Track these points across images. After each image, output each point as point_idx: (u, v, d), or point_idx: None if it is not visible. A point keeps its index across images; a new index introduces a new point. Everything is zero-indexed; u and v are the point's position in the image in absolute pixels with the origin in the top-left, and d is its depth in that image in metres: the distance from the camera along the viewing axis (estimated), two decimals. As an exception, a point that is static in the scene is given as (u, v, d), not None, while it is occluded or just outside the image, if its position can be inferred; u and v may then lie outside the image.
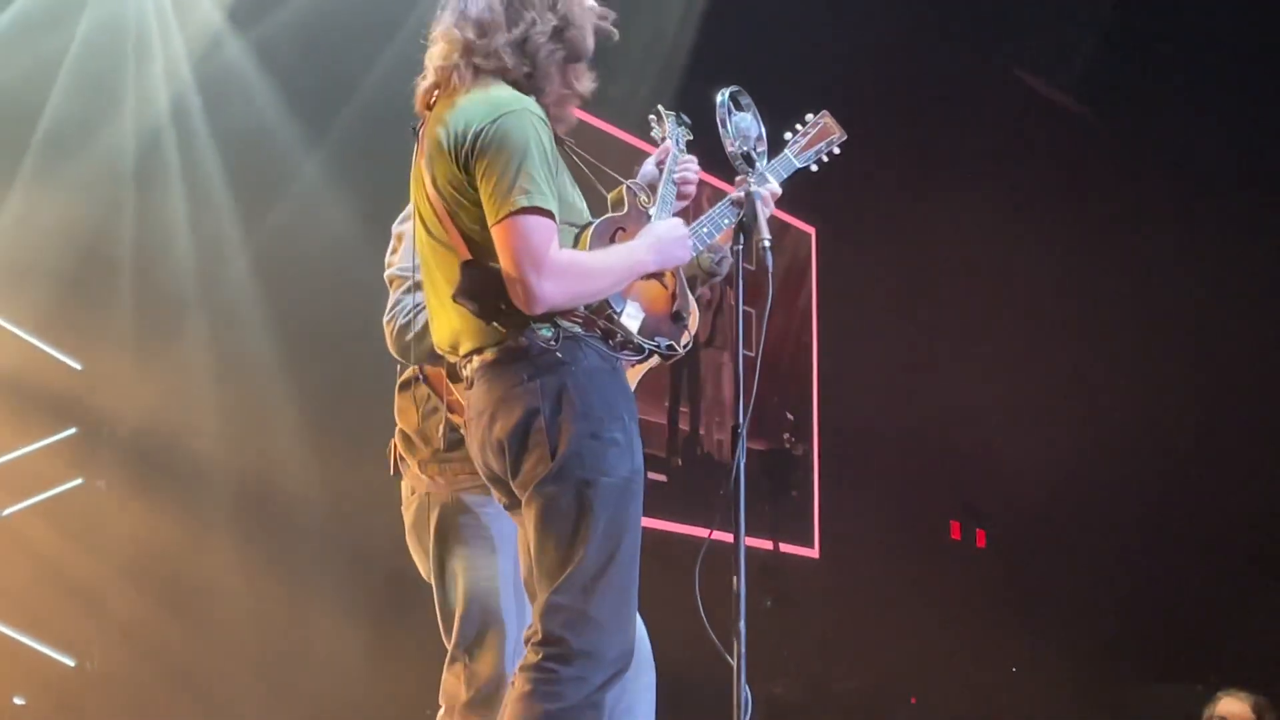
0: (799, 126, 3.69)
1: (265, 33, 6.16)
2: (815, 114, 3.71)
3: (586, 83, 3.11)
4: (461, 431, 3.34)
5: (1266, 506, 8.63)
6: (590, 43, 3.09)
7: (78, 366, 5.92)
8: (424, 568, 3.60)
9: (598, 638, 2.89)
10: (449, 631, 3.52)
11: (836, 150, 3.72)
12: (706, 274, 3.52)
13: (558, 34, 3.04)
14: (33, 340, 5.82)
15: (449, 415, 3.40)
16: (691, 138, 3.45)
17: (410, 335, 3.36)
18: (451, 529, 3.50)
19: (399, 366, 3.60)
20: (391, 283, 3.55)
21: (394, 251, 3.59)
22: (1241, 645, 8.36)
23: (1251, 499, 8.65)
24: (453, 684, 3.51)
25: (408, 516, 3.63)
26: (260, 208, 6.23)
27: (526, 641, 2.96)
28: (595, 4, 3.12)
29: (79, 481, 5.86)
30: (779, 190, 3.48)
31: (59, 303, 5.84)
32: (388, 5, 5.89)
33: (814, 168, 3.69)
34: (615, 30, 3.15)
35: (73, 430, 5.88)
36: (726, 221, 3.37)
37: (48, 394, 5.86)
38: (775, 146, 3.61)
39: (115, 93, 6.02)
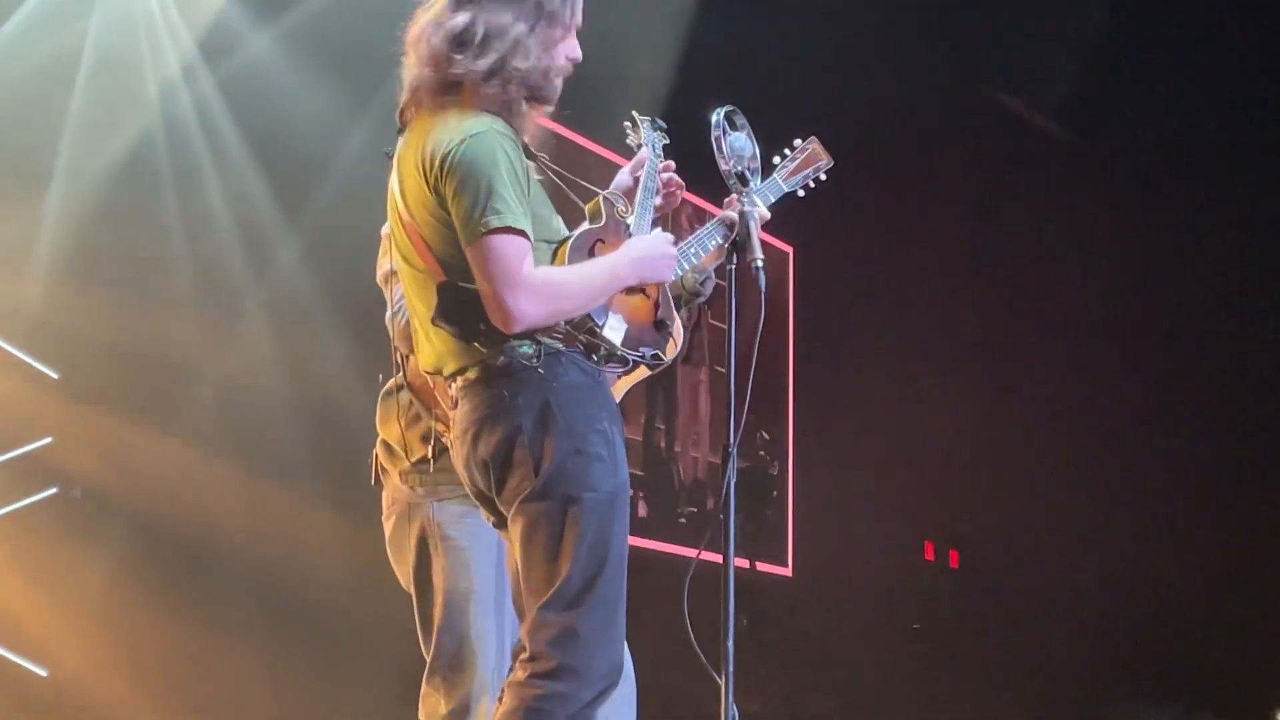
0: (787, 151, 3.70)
1: (282, 20, 6.16)
2: (804, 139, 3.73)
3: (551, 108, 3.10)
4: (445, 442, 3.34)
5: (1240, 529, 8.68)
6: (555, 87, 3.06)
7: (54, 375, 5.88)
8: (404, 579, 3.59)
9: (585, 653, 2.88)
10: (428, 644, 3.51)
11: (823, 177, 3.74)
12: (690, 294, 3.53)
13: (523, 76, 3.00)
14: (9, 347, 5.78)
15: (435, 424, 3.39)
16: (668, 141, 3.43)
17: None
18: (431, 541, 3.49)
19: (380, 377, 3.60)
20: (387, 281, 3.54)
21: (385, 254, 3.59)
22: (1215, 665, 8.42)
23: (1226, 520, 8.70)
24: (432, 697, 3.49)
25: (387, 528, 3.62)
26: (279, 207, 6.23)
27: (514, 657, 2.95)
28: (567, 48, 3.08)
29: (53, 490, 5.82)
30: (767, 214, 3.48)
31: (36, 309, 5.80)
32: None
33: (801, 193, 3.71)
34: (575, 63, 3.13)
35: (48, 439, 5.84)
36: (714, 242, 3.37)
37: (23, 402, 5.83)
38: (765, 169, 3.60)
39: (133, 93, 6.00)
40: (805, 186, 3.72)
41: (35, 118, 5.84)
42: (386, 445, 3.58)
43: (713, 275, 3.51)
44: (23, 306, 5.80)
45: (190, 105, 6.15)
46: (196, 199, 6.16)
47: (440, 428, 3.35)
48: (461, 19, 2.98)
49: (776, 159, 3.69)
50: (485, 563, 3.45)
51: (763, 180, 3.56)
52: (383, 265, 3.57)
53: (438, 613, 3.47)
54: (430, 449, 3.45)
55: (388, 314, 3.52)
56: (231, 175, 6.20)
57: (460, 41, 2.98)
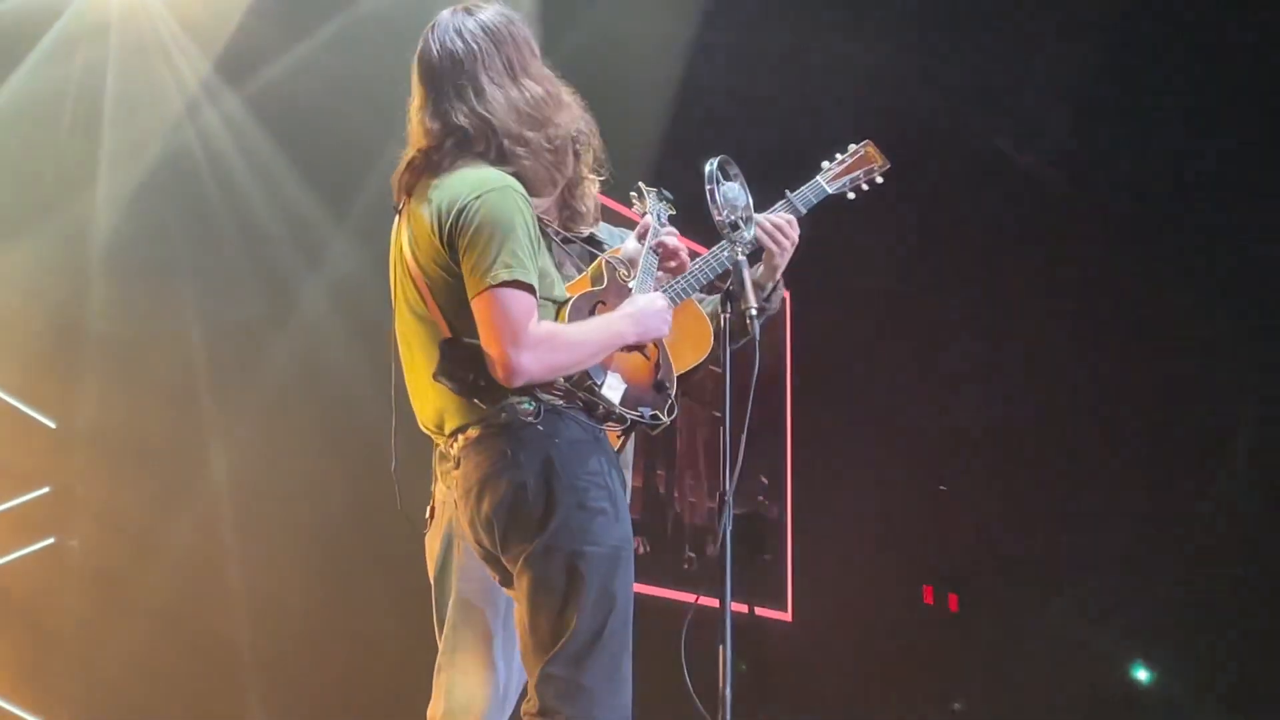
0: (838, 155, 3.68)
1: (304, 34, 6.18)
2: (858, 142, 3.70)
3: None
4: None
5: (1239, 568, 8.67)
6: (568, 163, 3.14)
7: (51, 425, 5.87)
8: (431, 569, 3.61)
9: (592, 707, 2.90)
10: (440, 638, 3.52)
11: (879, 180, 3.71)
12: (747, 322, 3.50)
13: (547, 147, 3.08)
14: (6, 397, 5.78)
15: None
16: (674, 212, 3.48)
17: None
18: (455, 540, 3.50)
19: None
20: None
21: None
22: (1220, 709, 8.42)
23: (1225, 557, 8.70)
24: (438, 692, 3.49)
25: (429, 519, 3.65)
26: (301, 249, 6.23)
27: (524, 714, 2.97)
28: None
29: (51, 541, 5.80)
30: (795, 226, 3.52)
31: (33, 358, 5.80)
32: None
33: (851, 195, 3.68)
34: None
35: (46, 489, 5.83)
36: (718, 263, 3.40)
37: (20, 452, 5.81)
38: (809, 174, 3.61)
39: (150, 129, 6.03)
40: (856, 189, 3.68)
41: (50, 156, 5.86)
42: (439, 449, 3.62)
43: (780, 286, 3.46)
44: (20, 354, 5.79)
45: (218, 127, 6.15)
46: (208, 244, 6.15)
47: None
48: (456, 104, 3.04)
49: (825, 162, 3.67)
50: None
51: (806, 183, 3.58)
52: None
53: (450, 611, 3.47)
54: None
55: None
56: (248, 220, 6.20)
57: (465, 125, 3.03)
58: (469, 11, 3.13)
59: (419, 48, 3.12)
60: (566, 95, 3.14)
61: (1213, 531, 8.71)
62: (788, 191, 3.63)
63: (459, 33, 3.08)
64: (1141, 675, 9.11)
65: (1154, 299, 8.67)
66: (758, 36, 7.26)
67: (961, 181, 8.49)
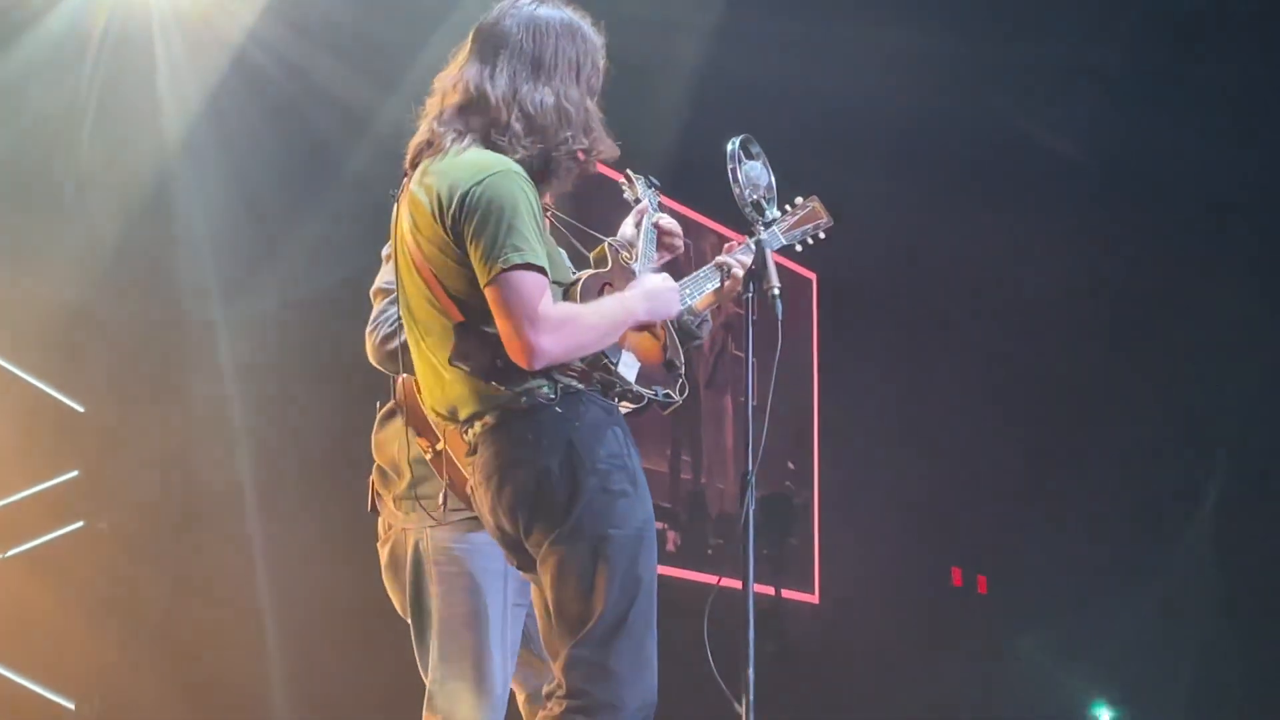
0: (788, 207, 3.70)
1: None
2: (804, 197, 3.74)
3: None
4: (427, 456, 3.36)
5: (1250, 560, 8.65)
6: (577, 150, 3.09)
7: (80, 409, 5.91)
8: (400, 605, 3.59)
9: (619, 689, 2.90)
10: (426, 671, 3.51)
11: (823, 235, 3.76)
12: (688, 336, 3.55)
13: (582, 156, 3.07)
14: (35, 382, 5.82)
15: (415, 439, 3.39)
16: (659, 199, 3.49)
17: (395, 344, 3.36)
18: (426, 567, 3.49)
19: (378, 403, 3.61)
20: (375, 296, 3.57)
21: (381, 274, 3.61)
22: (1238, 693, 8.40)
23: (1238, 551, 8.68)
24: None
25: (383, 554, 3.63)
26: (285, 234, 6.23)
27: (548, 696, 2.98)
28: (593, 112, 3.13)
29: (81, 524, 5.84)
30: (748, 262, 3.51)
31: (62, 342, 5.83)
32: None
33: (799, 248, 3.73)
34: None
35: (75, 473, 5.86)
36: (710, 285, 3.42)
37: (50, 436, 5.85)
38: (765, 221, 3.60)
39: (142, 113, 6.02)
40: (803, 243, 3.74)
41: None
42: (381, 470, 3.60)
43: (709, 319, 3.56)
44: (48, 339, 5.82)
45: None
46: (221, 225, 6.16)
47: (421, 443, 3.36)
48: (501, 77, 3.03)
49: (775, 212, 3.69)
50: (482, 588, 3.44)
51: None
52: (376, 282, 3.60)
53: (434, 640, 3.46)
54: (408, 465, 3.46)
55: (368, 326, 3.53)
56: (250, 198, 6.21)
57: (494, 97, 3.02)
58: (541, 1, 3.14)
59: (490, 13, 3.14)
60: (586, 116, 3.08)
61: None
62: (748, 238, 3.65)
63: (521, 16, 3.09)
64: (1105, 715, 9.07)
65: (1177, 296, 8.63)
66: (780, 20, 7.24)
67: (989, 164, 8.45)
